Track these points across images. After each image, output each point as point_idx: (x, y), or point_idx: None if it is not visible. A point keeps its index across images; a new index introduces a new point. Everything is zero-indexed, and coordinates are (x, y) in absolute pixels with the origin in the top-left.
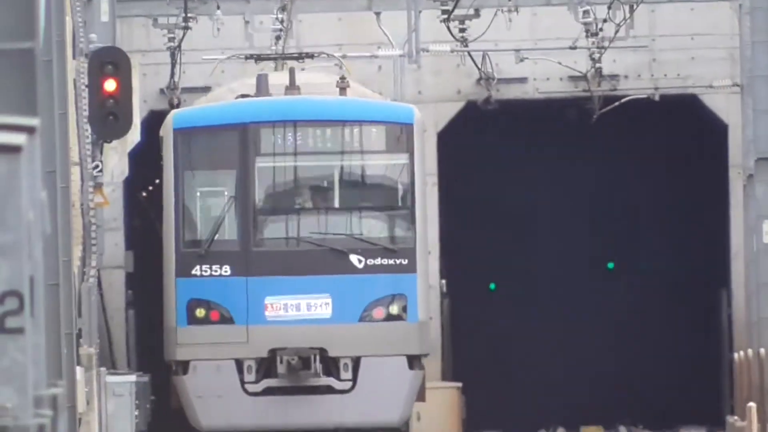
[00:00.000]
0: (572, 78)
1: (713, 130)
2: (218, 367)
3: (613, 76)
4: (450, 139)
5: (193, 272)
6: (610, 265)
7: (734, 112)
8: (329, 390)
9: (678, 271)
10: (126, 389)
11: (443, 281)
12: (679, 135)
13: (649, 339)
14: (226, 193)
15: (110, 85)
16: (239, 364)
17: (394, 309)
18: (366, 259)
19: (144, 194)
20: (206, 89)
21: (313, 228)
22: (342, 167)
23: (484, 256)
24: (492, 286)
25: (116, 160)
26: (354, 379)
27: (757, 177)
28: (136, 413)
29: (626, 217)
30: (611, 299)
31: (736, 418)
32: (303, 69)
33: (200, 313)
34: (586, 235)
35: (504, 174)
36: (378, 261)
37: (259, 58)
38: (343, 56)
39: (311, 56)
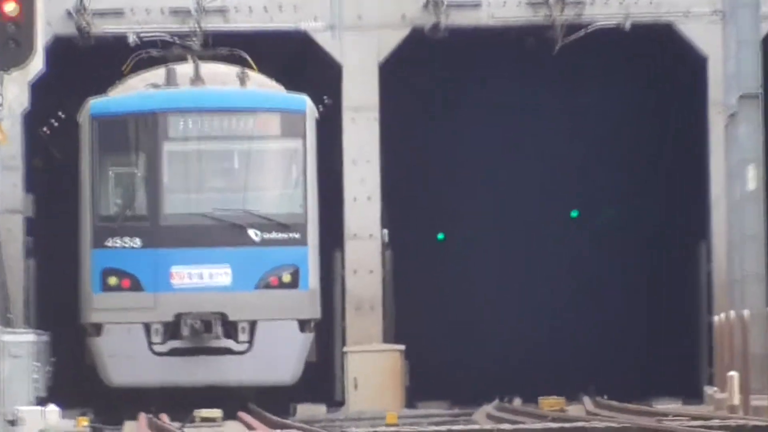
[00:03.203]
0: (531, 3)
1: (690, 64)
2: (128, 330)
3: (578, 2)
4: (393, 71)
5: (107, 243)
6: (574, 213)
7: (714, 43)
8: (228, 351)
9: (650, 220)
10: (24, 350)
11: (385, 230)
12: (652, 68)
13: (616, 298)
14: (137, 173)
15: (10, 7)
16: (147, 327)
17: (287, 278)
18: (262, 233)
19: (47, 130)
20: (118, 13)
21: (215, 205)
22: (241, 150)
23: (433, 204)
24: (440, 236)
25: (16, 91)
26: (251, 341)
27: (741, 116)
28: (35, 376)
29: (591, 161)
30: (574, 252)
31: (715, 389)
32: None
33: (113, 281)
34: (546, 179)
35: (454, 112)
36: (273, 235)
37: (172, 57)
38: None
39: (221, 52)
